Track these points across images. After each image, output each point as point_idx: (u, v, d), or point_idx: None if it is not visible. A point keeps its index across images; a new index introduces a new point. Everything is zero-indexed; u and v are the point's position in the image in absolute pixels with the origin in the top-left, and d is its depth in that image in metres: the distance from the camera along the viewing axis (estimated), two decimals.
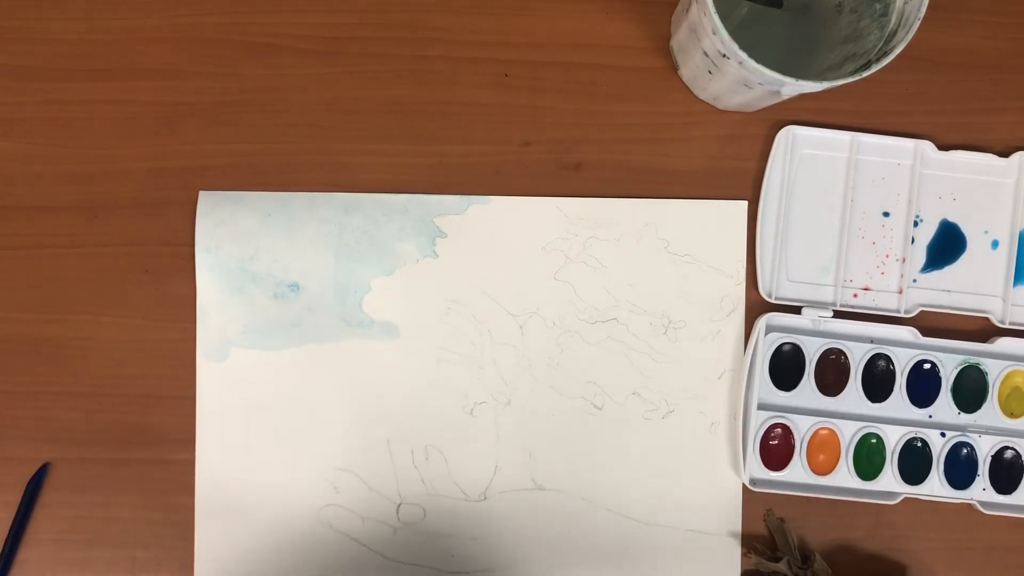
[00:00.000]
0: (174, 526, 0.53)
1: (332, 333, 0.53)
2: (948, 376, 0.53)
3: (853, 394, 0.53)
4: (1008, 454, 0.54)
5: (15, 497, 0.52)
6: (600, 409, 0.54)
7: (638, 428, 0.54)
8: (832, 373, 0.53)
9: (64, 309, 0.53)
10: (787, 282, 0.54)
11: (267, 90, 0.53)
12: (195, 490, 0.53)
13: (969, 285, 0.54)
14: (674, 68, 0.54)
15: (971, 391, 0.54)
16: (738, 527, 0.54)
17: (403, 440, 0.53)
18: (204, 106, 0.53)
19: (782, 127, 0.53)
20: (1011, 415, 0.54)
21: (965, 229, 0.54)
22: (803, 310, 0.53)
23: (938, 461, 0.53)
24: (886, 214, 0.54)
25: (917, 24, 0.43)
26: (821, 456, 0.53)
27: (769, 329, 0.53)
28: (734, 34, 0.42)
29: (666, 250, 0.54)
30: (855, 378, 0.53)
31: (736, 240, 0.54)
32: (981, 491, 0.53)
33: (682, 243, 0.54)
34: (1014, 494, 0.54)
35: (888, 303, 0.54)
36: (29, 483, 0.52)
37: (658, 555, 0.53)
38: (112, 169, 0.53)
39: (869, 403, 0.53)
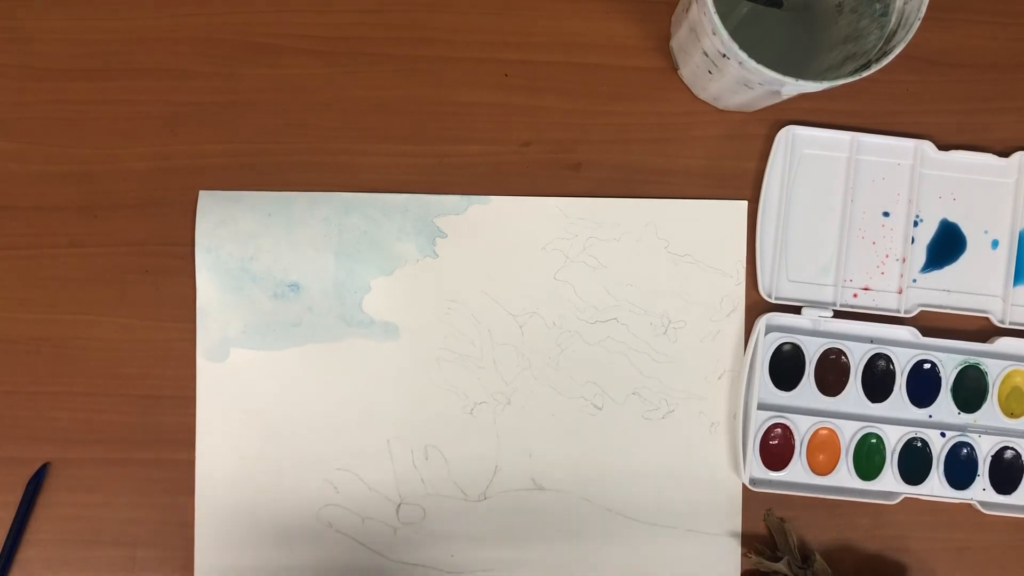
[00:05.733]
0: (174, 526, 0.53)
1: (332, 333, 0.53)
2: (948, 376, 0.53)
3: (853, 394, 0.53)
4: (1008, 454, 0.54)
5: (15, 497, 0.52)
6: (600, 409, 0.54)
7: (638, 428, 0.54)
8: (832, 373, 0.53)
9: (64, 309, 0.53)
10: (787, 282, 0.54)
11: (267, 90, 0.53)
12: (195, 490, 0.53)
13: (969, 285, 0.54)
14: (674, 68, 0.54)
15: (971, 391, 0.54)
16: (738, 527, 0.54)
17: (403, 440, 0.53)
18: (204, 106, 0.53)
19: (782, 127, 0.53)
20: (1011, 415, 0.54)
21: (965, 229, 0.54)
22: (803, 310, 0.53)
23: (938, 461, 0.53)
24: (886, 214, 0.54)
25: (917, 24, 0.43)
26: (821, 456, 0.53)
27: (769, 329, 0.53)
28: (734, 34, 0.42)
29: (666, 250, 0.54)
30: (855, 378, 0.53)
31: (736, 240, 0.54)
32: (981, 491, 0.53)
33: (682, 243, 0.54)
34: (1014, 494, 0.54)
35: (888, 303, 0.54)
36: (29, 483, 0.52)
37: (658, 555, 0.53)
38: (112, 169, 0.53)
39: (869, 403, 0.53)
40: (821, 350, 0.53)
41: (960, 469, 0.53)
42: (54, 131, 0.53)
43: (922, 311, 0.54)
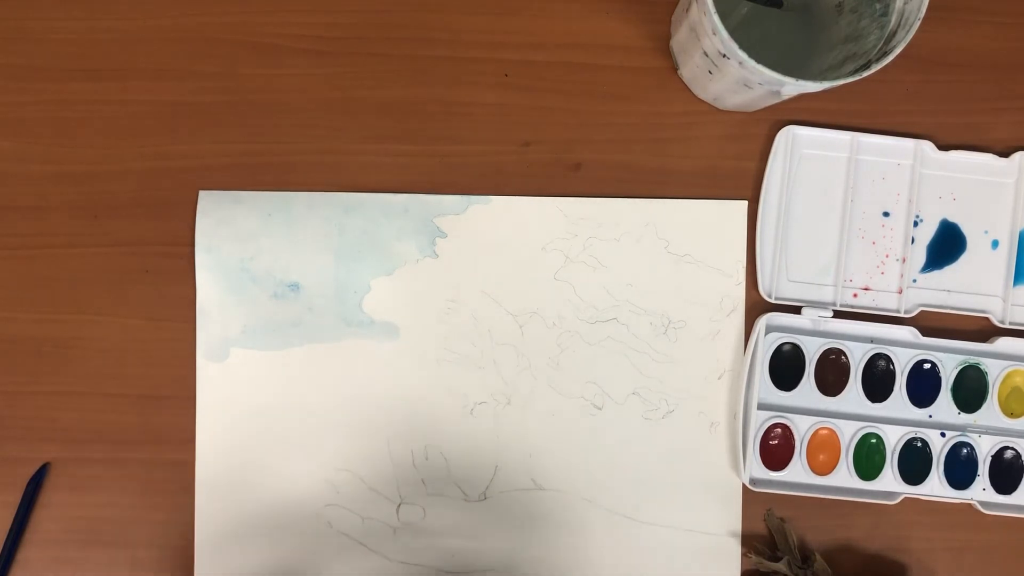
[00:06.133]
0: (174, 526, 0.53)
1: (332, 333, 0.53)
2: (948, 376, 0.53)
3: (853, 394, 0.53)
4: (1008, 454, 0.54)
5: (15, 497, 0.52)
6: (600, 409, 0.54)
7: (638, 428, 0.54)
8: (832, 373, 0.53)
9: (64, 309, 0.53)
10: (787, 282, 0.54)
11: (267, 90, 0.53)
12: (195, 490, 0.53)
13: (969, 285, 0.54)
14: (674, 68, 0.54)
15: (971, 391, 0.54)
16: (738, 527, 0.54)
17: (403, 440, 0.53)
18: (204, 106, 0.53)
19: (782, 127, 0.53)
20: (1011, 415, 0.54)
21: (965, 229, 0.54)
22: (803, 310, 0.53)
23: (938, 461, 0.53)
24: (886, 214, 0.54)
25: (917, 24, 0.43)
26: (821, 456, 0.53)
27: (769, 329, 0.53)
28: (734, 34, 0.42)
29: (666, 250, 0.54)
30: (855, 378, 0.53)
31: (736, 240, 0.54)
32: (981, 491, 0.53)
33: (682, 243, 0.54)
34: (1014, 494, 0.54)
35: (888, 303, 0.54)
36: (29, 483, 0.52)
37: (658, 555, 0.53)
38: (112, 169, 0.53)
39: (869, 403, 0.53)
40: (821, 350, 0.53)
41: (960, 469, 0.53)
42: (54, 131, 0.53)
43: (922, 311, 0.54)
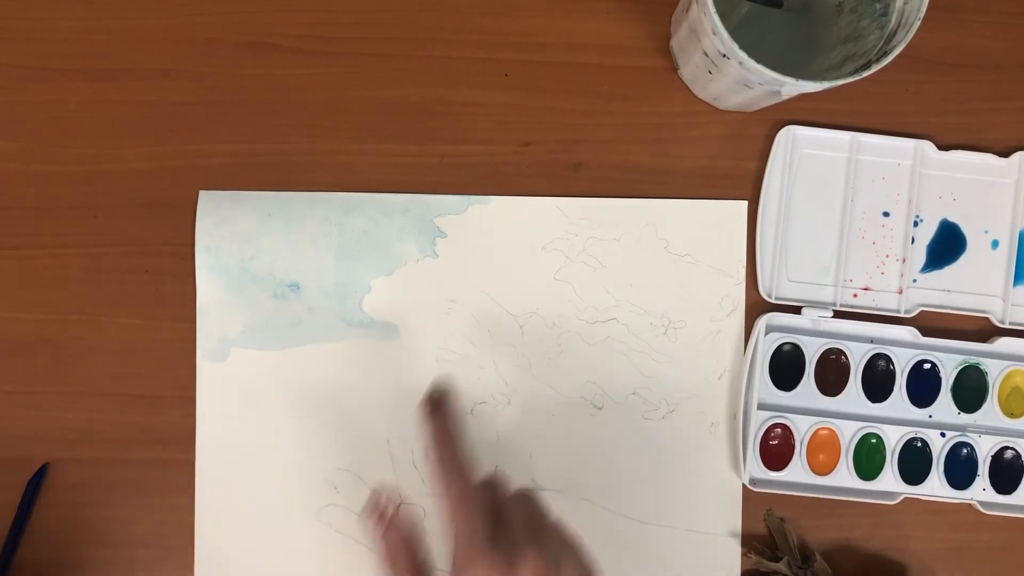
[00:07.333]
0: (174, 526, 0.53)
1: (332, 333, 0.53)
2: (948, 376, 0.53)
3: (853, 394, 0.53)
4: (1008, 454, 0.54)
5: (15, 497, 0.52)
6: (600, 409, 0.54)
7: (638, 428, 0.54)
8: (832, 373, 0.53)
9: (64, 309, 0.53)
10: (787, 282, 0.54)
11: (267, 90, 0.53)
12: (195, 490, 0.53)
13: (969, 285, 0.54)
14: (674, 68, 0.54)
15: (971, 391, 0.54)
16: (738, 527, 0.54)
17: (403, 440, 0.53)
18: (204, 106, 0.53)
19: (782, 127, 0.53)
20: (1011, 415, 0.54)
21: (965, 229, 0.54)
22: (803, 310, 0.53)
23: (938, 461, 0.53)
24: (886, 214, 0.54)
25: (917, 24, 0.43)
26: (821, 456, 0.53)
27: (769, 329, 0.53)
28: (734, 34, 0.42)
29: (666, 250, 0.54)
30: (855, 378, 0.53)
31: (736, 240, 0.54)
32: (981, 491, 0.53)
33: (682, 243, 0.54)
34: (1014, 494, 0.54)
35: (888, 303, 0.54)
36: (29, 483, 0.52)
37: (658, 555, 0.53)
38: (112, 169, 0.53)
39: (869, 403, 0.53)
40: (821, 350, 0.53)
41: (960, 469, 0.53)
42: (54, 131, 0.53)
43: (922, 311, 0.54)
